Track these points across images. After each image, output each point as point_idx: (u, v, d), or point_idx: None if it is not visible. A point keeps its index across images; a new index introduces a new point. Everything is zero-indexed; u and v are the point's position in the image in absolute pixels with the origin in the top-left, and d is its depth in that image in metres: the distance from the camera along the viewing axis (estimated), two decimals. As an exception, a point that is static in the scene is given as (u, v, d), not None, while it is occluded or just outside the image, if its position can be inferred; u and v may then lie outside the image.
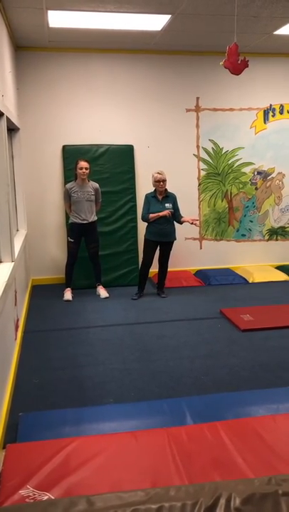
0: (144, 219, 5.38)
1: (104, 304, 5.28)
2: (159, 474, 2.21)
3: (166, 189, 5.35)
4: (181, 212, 5.43)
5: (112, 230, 5.97)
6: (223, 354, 3.87)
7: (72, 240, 5.45)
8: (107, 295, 5.48)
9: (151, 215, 5.27)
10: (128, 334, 4.34)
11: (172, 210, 5.29)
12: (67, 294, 5.43)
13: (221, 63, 3.77)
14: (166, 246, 5.44)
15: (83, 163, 5.31)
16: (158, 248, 5.46)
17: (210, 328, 4.48)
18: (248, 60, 3.77)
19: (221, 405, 2.91)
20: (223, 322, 4.62)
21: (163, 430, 2.54)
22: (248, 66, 3.78)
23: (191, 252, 6.54)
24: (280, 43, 5.66)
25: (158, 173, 5.29)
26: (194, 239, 6.55)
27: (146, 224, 5.40)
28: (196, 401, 2.96)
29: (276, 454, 2.33)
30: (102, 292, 5.52)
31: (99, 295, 5.53)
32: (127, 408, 2.93)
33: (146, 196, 5.41)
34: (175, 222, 5.42)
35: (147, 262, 5.43)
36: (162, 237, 5.36)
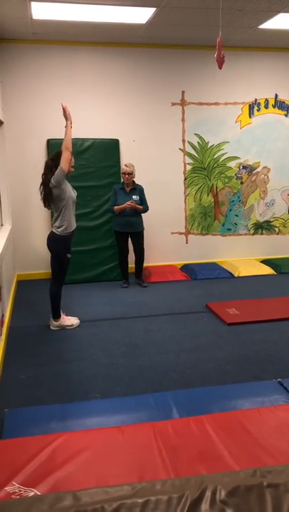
0: (109, 211, 5.63)
1: (91, 299, 5.27)
2: (146, 468, 2.21)
3: (133, 181, 5.54)
4: (148, 205, 5.59)
5: (97, 224, 5.95)
6: (209, 348, 3.89)
7: (70, 256, 4.23)
8: (76, 322, 4.42)
9: (116, 207, 5.48)
10: (114, 329, 4.34)
11: (133, 202, 5.42)
12: (69, 319, 4.42)
13: (215, 55, 3.74)
14: (136, 236, 5.65)
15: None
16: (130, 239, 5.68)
17: (196, 322, 4.50)
18: (224, 56, 3.76)
19: (207, 399, 2.93)
20: (209, 316, 4.64)
21: (149, 424, 2.55)
22: (224, 61, 3.78)
23: (177, 247, 6.55)
24: (265, 37, 5.67)
25: (125, 165, 5.52)
26: (180, 233, 6.56)
27: None
28: (182, 395, 2.97)
29: (261, 446, 2.35)
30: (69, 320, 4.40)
31: (63, 327, 4.32)
32: (113, 403, 2.93)
33: (114, 188, 5.60)
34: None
35: (122, 251, 5.72)
36: (129, 228, 5.57)
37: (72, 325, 4.37)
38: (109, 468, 2.22)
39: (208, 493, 1.81)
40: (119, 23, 5.00)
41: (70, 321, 4.41)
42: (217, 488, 1.83)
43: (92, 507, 1.75)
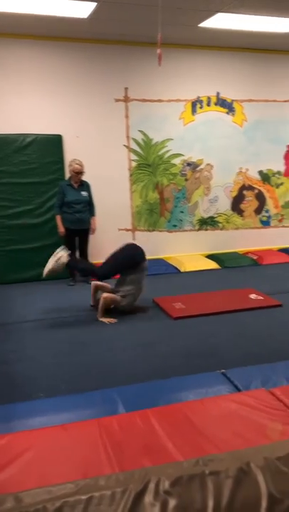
0: (55, 208, 5.53)
1: (34, 298, 5.16)
2: (90, 465, 2.19)
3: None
4: (94, 201, 5.64)
5: (41, 222, 5.84)
6: (156, 343, 3.91)
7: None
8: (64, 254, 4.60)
9: (57, 219, 5.49)
10: (60, 328, 4.28)
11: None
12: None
13: (158, 51, 3.75)
14: (83, 234, 5.59)
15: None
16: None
17: (143, 317, 4.52)
18: (161, 52, 3.80)
19: (153, 393, 2.94)
20: (156, 311, 4.67)
21: (94, 421, 2.52)
22: (161, 58, 3.82)
23: (124, 243, 6.54)
24: (206, 35, 5.77)
25: (77, 164, 5.40)
26: (127, 230, 6.56)
27: None
28: (128, 390, 2.96)
29: (204, 436, 2.39)
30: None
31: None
32: (58, 402, 2.87)
33: (61, 185, 5.47)
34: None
35: (70, 249, 5.48)
36: (78, 225, 5.50)
37: (63, 263, 4.53)
38: (52, 467, 2.18)
39: (151, 485, 1.82)
40: (61, 16, 4.92)
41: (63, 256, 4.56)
42: (160, 479, 1.84)
43: (34, 507, 1.72)
